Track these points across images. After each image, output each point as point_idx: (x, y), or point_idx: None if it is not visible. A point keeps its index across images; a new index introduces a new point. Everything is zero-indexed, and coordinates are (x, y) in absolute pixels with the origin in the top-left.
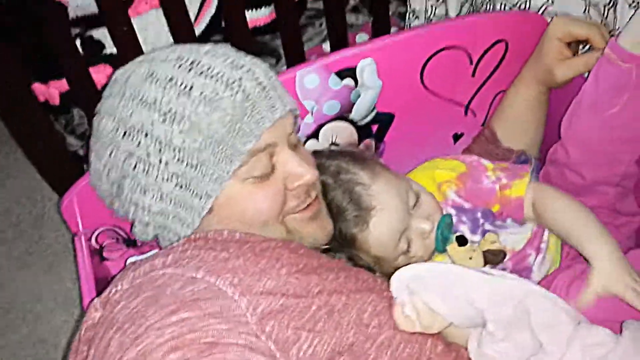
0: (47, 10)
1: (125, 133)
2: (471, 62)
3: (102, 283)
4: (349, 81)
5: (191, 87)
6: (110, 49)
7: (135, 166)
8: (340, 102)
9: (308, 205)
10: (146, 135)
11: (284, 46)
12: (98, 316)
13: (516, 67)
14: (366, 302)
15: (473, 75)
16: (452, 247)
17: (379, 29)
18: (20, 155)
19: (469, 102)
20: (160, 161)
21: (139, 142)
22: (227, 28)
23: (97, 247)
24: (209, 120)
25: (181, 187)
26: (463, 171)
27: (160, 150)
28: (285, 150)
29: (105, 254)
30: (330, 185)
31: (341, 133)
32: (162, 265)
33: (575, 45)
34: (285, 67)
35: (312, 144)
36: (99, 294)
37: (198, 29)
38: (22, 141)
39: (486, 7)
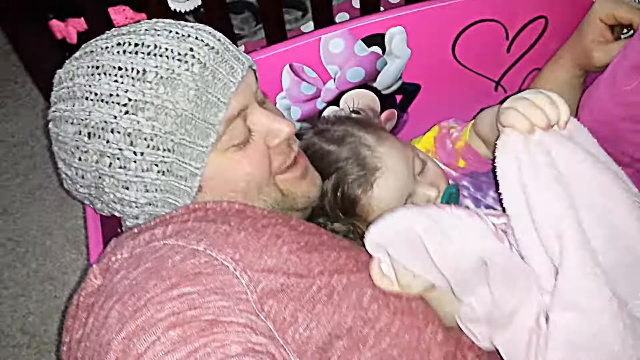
0: None
1: (89, 134)
2: (507, 37)
3: (109, 230)
4: (376, 48)
5: (144, 71)
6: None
7: (110, 164)
8: (365, 69)
9: (295, 162)
10: (112, 131)
11: (314, 12)
12: (98, 284)
13: (554, 46)
14: (365, 285)
15: (508, 51)
16: None
17: None
18: (30, 88)
19: (501, 78)
20: (135, 154)
21: (107, 140)
22: None
23: None
24: (173, 99)
25: (163, 173)
26: (434, 135)
27: (131, 142)
28: (258, 110)
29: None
30: (333, 151)
31: (363, 100)
32: (162, 236)
33: (618, 30)
34: (310, 22)
35: (332, 110)
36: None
37: None
38: (37, 76)
39: None
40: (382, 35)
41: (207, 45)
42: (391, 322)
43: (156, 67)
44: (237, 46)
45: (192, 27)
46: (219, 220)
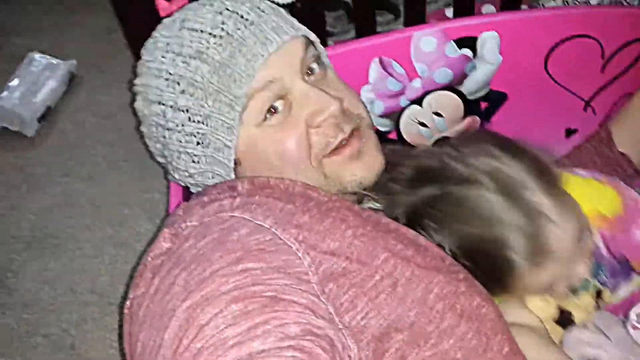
0: None
1: (149, 102)
2: (603, 56)
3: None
4: (467, 51)
5: (182, 46)
6: None
7: (163, 134)
8: (453, 72)
9: (344, 144)
10: (159, 102)
11: (405, 4)
12: (167, 247)
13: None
14: (432, 282)
15: (602, 70)
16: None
17: (508, 3)
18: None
19: (591, 98)
20: (176, 125)
21: (156, 111)
22: None
23: None
24: (202, 72)
25: (201, 144)
26: (619, 214)
27: (173, 114)
28: (298, 83)
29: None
30: (496, 205)
31: (447, 104)
32: (230, 207)
33: None
34: (402, 26)
35: (414, 109)
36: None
37: None
38: (136, 48)
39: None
40: (475, 39)
41: (241, 16)
42: (456, 324)
43: (190, 41)
44: (326, 44)
45: (227, 2)
46: (285, 199)
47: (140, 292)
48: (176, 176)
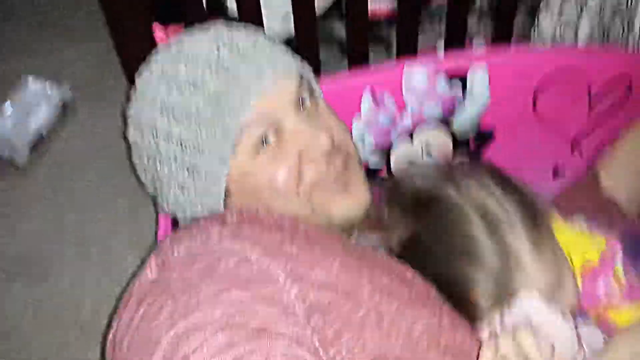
0: None
1: (140, 133)
2: (590, 96)
3: None
4: (456, 87)
5: (177, 74)
6: (232, 13)
7: (155, 165)
8: (442, 108)
9: (339, 176)
10: (151, 131)
11: (398, 38)
12: (153, 276)
13: (637, 114)
14: (417, 317)
15: (590, 111)
16: None
17: (499, 41)
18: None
19: (579, 139)
20: (168, 153)
21: (149, 140)
22: (347, 13)
23: None
24: (196, 102)
25: (193, 175)
26: (593, 265)
27: (166, 142)
28: (291, 116)
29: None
30: (477, 238)
31: (436, 140)
32: (218, 236)
33: None
34: (394, 58)
35: (404, 147)
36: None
37: (319, 9)
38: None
39: (620, 36)
40: (465, 75)
41: (236, 45)
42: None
43: (187, 72)
44: (318, 75)
45: (234, 26)
46: (273, 229)
47: (124, 321)
48: (165, 207)
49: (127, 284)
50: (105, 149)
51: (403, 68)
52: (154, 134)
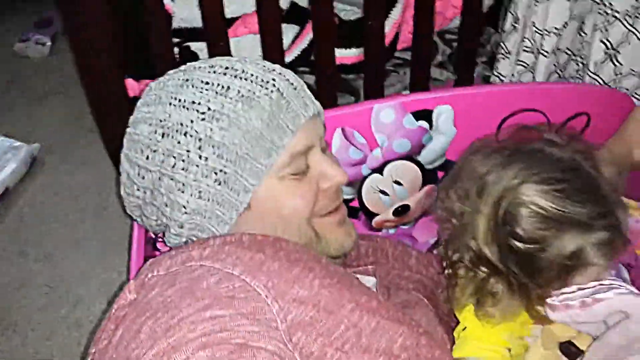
0: (154, 17)
1: (164, 134)
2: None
3: None
4: (423, 123)
5: (228, 88)
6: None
7: (174, 165)
8: (411, 142)
9: (337, 209)
10: (185, 134)
11: (365, 86)
12: (131, 298)
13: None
14: (396, 333)
15: None
16: None
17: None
18: (93, 148)
19: None
20: (200, 157)
21: (179, 141)
22: (316, 62)
23: (152, 236)
24: (248, 116)
25: (220, 183)
26: None
27: (200, 147)
28: (319, 152)
29: (158, 245)
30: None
31: (407, 173)
32: (199, 257)
33: None
34: None
35: (375, 178)
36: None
37: (287, 58)
38: (106, 130)
39: (576, 75)
40: (431, 112)
41: (287, 80)
42: None
43: (240, 86)
44: None
45: (278, 66)
46: (254, 248)
47: (102, 344)
48: (161, 211)
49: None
50: (73, 200)
51: (372, 108)
52: (189, 136)
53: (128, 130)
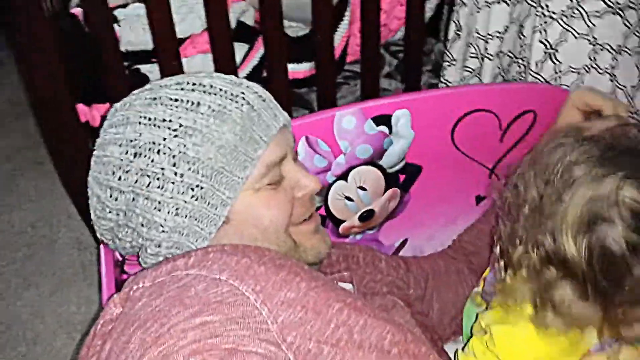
0: (105, 42)
1: (136, 154)
2: (500, 128)
3: None
4: (383, 128)
5: (198, 104)
6: None
7: (149, 184)
8: (372, 147)
9: (311, 216)
10: (159, 152)
11: (318, 100)
12: (117, 312)
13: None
14: (384, 330)
15: (501, 140)
16: None
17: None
18: (40, 182)
19: (494, 166)
20: (175, 174)
21: (152, 160)
22: (269, 78)
23: (120, 260)
24: (221, 130)
25: (197, 198)
26: None
27: (174, 164)
28: (292, 162)
29: (126, 268)
30: None
31: (370, 177)
32: (185, 266)
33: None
34: None
35: (340, 185)
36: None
37: (240, 76)
38: (59, 157)
39: (519, 77)
40: (390, 116)
41: (256, 92)
42: None
43: (210, 101)
44: None
45: (244, 80)
46: (239, 254)
47: None
48: (136, 232)
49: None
50: (22, 236)
51: (334, 115)
52: (162, 154)
53: (96, 153)
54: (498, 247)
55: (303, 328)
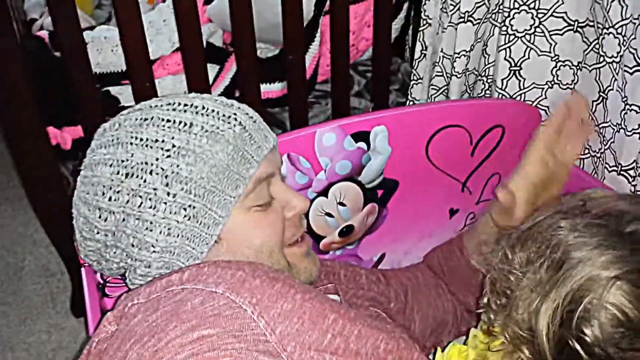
0: (78, 65)
1: (127, 174)
2: (471, 142)
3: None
4: (362, 144)
5: (191, 125)
6: (126, 103)
7: (140, 204)
8: (352, 163)
9: (303, 238)
10: (151, 172)
11: (290, 119)
12: (112, 330)
13: (510, 153)
14: (378, 339)
15: (472, 154)
16: None
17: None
18: (2, 209)
19: (466, 180)
20: (168, 194)
21: (145, 180)
22: (242, 98)
23: (101, 282)
24: (214, 150)
25: (189, 218)
26: None
27: (167, 184)
28: (280, 182)
29: (107, 291)
30: None
31: (349, 193)
32: (179, 281)
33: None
34: None
35: (320, 201)
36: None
37: (214, 92)
38: (30, 180)
39: (484, 94)
40: (368, 133)
41: (247, 114)
42: None
43: (203, 122)
44: None
45: (234, 101)
46: (234, 267)
47: None
48: (126, 253)
49: None
50: None
51: (315, 132)
52: (154, 174)
53: (83, 173)
54: (482, 314)
55: (301, 338)
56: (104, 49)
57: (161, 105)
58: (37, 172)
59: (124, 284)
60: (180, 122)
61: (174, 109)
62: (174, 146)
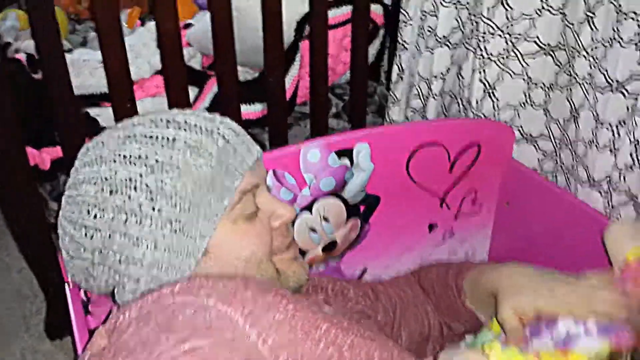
0: (59, 87)
1: (112, 191)
2: (449, 159)
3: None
4: (345, 161)
5: (174, 140)
6: (105, 124)
7: (126, 220)
8: (335, 179)
9: (290, 245)
10: (135, 188)
11: (270, 139)
12: (104, 344)
13: (487, 170)
14: (371, 348)
15: (450, 171)
16: None
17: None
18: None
19: (445, 196)
20: (153, 209)
21: (129, 196)
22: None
23: (85, 299)
24: (198, 164)
25: (176, 231)
26: None
27: (152, 199)
28: (266, 192)
29: (90, 308)
30: None
31: (332, 209)
32: (171, 294)
33: None
34: None
35: (305, 217)
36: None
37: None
38: (5, 201)
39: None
40: (351, 150)
41: (230, 127)
42: None
43: (186, 137)
44: None
45: (216, 115)
46: (225, 279)
47: None
48: (113, 270)
49: None
50: None
51: (300, 149)
52: (131, 189)
53: (68, 193)
54: None
55: (294, 348)
56: (82, 71)
57: (144, 123)
58: (15, 192)
59: (108, 302)
60: (163, 138)
61: (156, 125)
62: (157, 162)
